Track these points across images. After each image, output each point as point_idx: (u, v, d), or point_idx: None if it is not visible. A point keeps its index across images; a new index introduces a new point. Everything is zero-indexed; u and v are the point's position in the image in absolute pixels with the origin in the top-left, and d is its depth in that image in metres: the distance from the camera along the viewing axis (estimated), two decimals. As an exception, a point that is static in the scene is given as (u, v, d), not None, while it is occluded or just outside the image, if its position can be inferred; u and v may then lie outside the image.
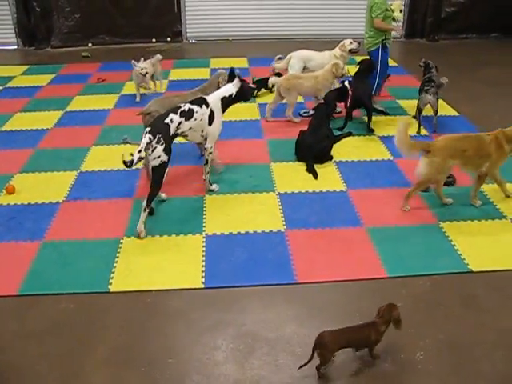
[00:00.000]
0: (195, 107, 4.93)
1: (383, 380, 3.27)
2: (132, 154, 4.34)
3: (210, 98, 5.13)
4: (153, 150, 4.52)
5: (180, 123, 4.77)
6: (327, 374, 3.27)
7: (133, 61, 7.59)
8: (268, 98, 7.56)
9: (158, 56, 8.06)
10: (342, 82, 6.93)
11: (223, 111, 5.24)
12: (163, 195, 5.13)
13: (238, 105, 5.44)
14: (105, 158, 6.06)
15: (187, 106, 4.89)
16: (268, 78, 7.38)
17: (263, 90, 7.90)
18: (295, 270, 4.22)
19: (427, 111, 6.59)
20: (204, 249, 4.48)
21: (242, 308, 3.86)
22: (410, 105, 7.27)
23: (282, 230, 4.72)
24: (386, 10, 6.93)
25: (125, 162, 4.27)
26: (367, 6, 7.09)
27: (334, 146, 6.12)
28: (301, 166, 5.80)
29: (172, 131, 4.69)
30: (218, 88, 5.54)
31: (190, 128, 4.91)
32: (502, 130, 4.90)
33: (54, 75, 9.12)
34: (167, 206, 5.11)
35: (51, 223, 4.86)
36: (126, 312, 3.85)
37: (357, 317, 3.65)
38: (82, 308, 3.88)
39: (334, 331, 3.24)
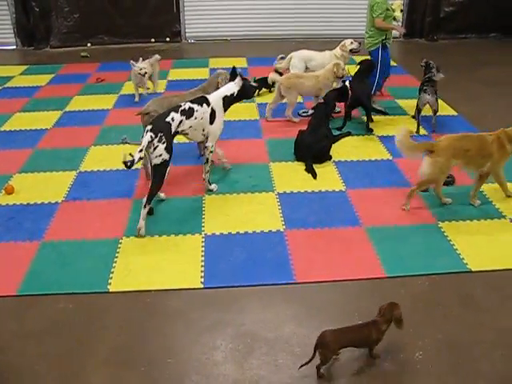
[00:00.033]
0: (196, 106, 4.94)
1: (382, 380, 3.27)
2: (131, 154, 4.34)
3: (211, 97, 5.13)
4: (154, 149, 4.54)
5: (181, 121, 4.79)
6: (327, 373, 3.27)
7: (131, 61, 7.58)
8: (267, 98, 7.57)
9: (157, 56, 8.06)
10: (343, 81, 6.94)
11: (225, 110, 5.25)
12: (162, 195, 5.13)
13: (236, 104, 5.45)
14: (104, 158, 6.06)
15: (188, 105, 4.90)
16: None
17: (263, 90, 7.91)
18: (294, 269, 4.22)
19: (427, 111, 6.59)
20: (203, 249, 4.48)
21: (241, 308, 3.86)
22: (409, 104, 7.28)
23: (281, 230, 4.72)
24: (387, 9, 6.95)
25: (125, 164, 4.28)
26: (368, 5, 7.10)
27: (333, 145, 6.12)
28: (300, 166, 5.81)
29: (173, 130, 4.71)
30: (217, 88, 5.54)
31: (191, 127, 4.92)
32: (504, 129, 4.90)
33: (52, 75, 9.12)
34: (166, 205, 5.11)
35: (50, 223, 4.86)
36: (125, 312, 3.85)
37: (356, 317, 3.66)
38: (81, 308, 3.88)
39: (336, 330, 3.24)
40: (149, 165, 5.11)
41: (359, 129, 6.71)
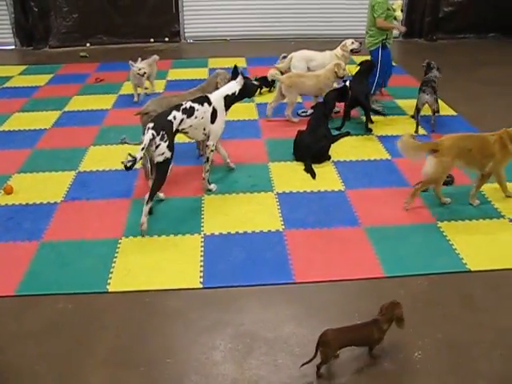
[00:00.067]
0: (196, 105, 4.95)
1: (382, 379, 3.28)
2: (130, 154, 4.34)
3: (212, 96, 5.14)
4: (157, 147, 4.56)
5: (182, 120, 4.81)
6: (326, 373, 3.27)
7: (130, 61, 7.58)
8: (266, 98, 7.58)
9: (155, 56, 8.06)
10: (344, 81, 6.94)
11: (227, 109, 5.25)
12: (161, 195, 5.13)
13: (236, 104, 5.44)
14: (103, 158, 6.06)
15: (189, 104, 4.91)
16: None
17: (264, 89, 7.91)
18: (293, 269, 4.22)
19: (426, 111, 6.59)
20: (202, 249, 4.48)
21: (240, 308, 3.86)
22: (408, 104, 7.28)
23: (280, 230, 4.72)
24: (388, 9, 6.95)
25: (125, 166, 4.28)
26: (369, 5, 7.11)
27: (332, 145, 6.12)
28: (299, 166, 5.81)
29: (174, 128, 4.73)
30: (216, 88, 5.54)
31: (191, 125, 4.93)
32: (507, 129, 4.90)
33: (51, 75, 9.11)
34: (165, 205, 5.11)
35: (49, 223, 4.85)
36: (124, 312, 3.84)
37: (355, 316, 3.65)
38: (80, 308, 3.88)
39: (337, 329, 3.24)
40: (148, 164, 5.12)
41: (358, 129, 6.71)
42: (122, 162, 4.29)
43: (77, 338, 3.61)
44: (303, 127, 6.12)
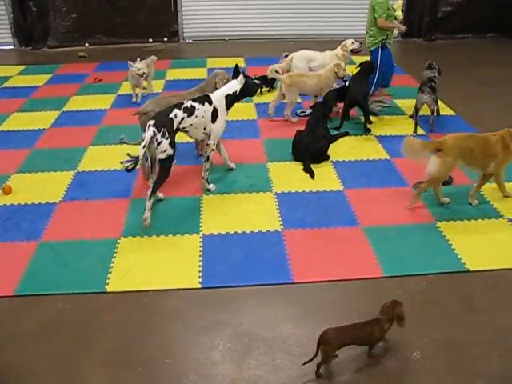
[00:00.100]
0: (197, 104, 4.96)
1: (381, 379, 3.28)
2: (129, 155, 4.34)
3: (213, 96, 5.15)
4: (158, 144, 4.58)
5: (183, 119, 4.82)
6: (325, 372, 3.27)
7: (129, 61, 7.57)
8: (265, 98, 7.59)
9: (153, 57, 8.06)
10: (344, 81, 6.94)
11: (228, 108, 5.25)
12: (160, 195, 5.12)
13: (235, 104, 5.43)
14: (101, 158, 6.05)
15: (190, 103, 4.92)
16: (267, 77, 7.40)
17: (264, 88, 7.90)
18: (292, 269, 4.22)
19: (426, 111, 6.59)
20: (201, 249, 4.48)
21: (238, 308, 3.86)
22: (407, 104, 7.28)
23: (279, 230, 4.72)
24: (388, 9, 6.97)
25: (127, 169, 4.29)
26: (369, 5, 7.12)
27: (331, 145, 6.12)
28: (298, 166, 5.81)
29: (175, 126, 4.75)
30: (215, 88, 5.54)
31: (191, 125, 4.94)
32: (509, 129, 4.90)
33: (50, 75, 9.10)
34: (164, 205, 5.11)
35: (48, 223, 4.85)
36: (123, 312, 3.84)
37: (354, 316, 3.66)
38: (78, 308, 3.88)
39: (338, 328, 3.25)
40: (147, 164, 5.11)
41: (357, 129, 6.72)
42: (121, 163, 4.29)
43: (75, 337, 3.61)
44: (302, 127, 6.12)
